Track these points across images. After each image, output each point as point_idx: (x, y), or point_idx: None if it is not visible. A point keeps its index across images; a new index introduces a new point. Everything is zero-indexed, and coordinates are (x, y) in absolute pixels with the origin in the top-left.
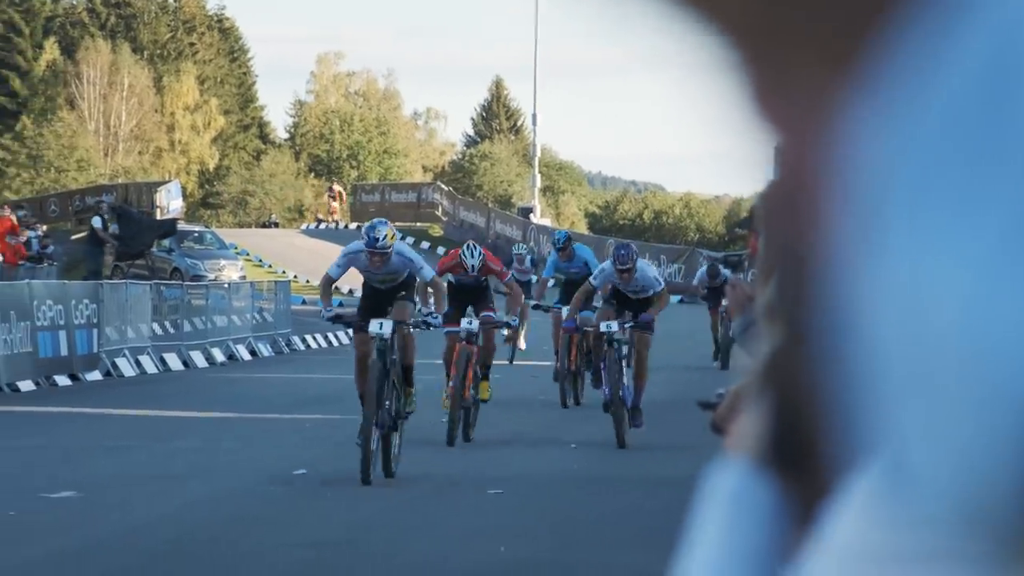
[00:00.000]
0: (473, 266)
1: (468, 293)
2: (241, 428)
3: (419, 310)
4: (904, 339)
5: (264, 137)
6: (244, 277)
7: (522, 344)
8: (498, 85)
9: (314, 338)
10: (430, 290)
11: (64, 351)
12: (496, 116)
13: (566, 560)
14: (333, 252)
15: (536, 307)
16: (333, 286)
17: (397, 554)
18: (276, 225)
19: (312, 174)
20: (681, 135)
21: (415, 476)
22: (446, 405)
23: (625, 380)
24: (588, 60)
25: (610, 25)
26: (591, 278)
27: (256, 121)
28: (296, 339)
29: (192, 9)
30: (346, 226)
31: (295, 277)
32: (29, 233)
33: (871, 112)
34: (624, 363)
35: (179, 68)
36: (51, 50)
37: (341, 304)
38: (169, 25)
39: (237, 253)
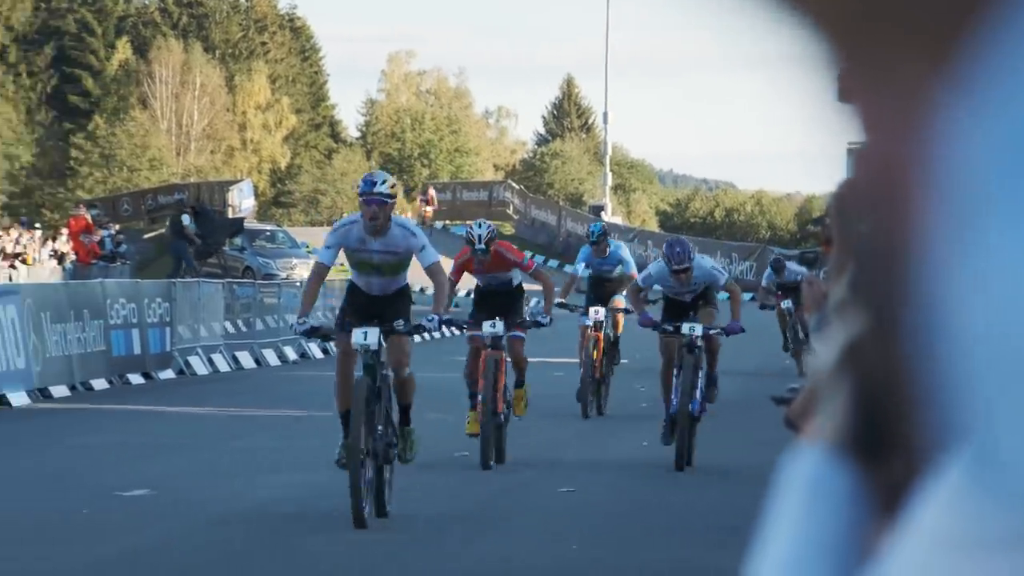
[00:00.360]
0: (480, 236)
1: (496, 299)
2: (313, 425)
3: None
4: (997, 333)
5: (335, 136)
6: None
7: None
8: (569, 83)
9: None
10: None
11: (137, 350)
12: (567, 114)
13: (640, 558)
14: None
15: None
16: (320, 285)
17: (470, 550)
18: None
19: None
20: (754, 132)
21: (472, 480)
22: (473, 429)
23: (698, 391)
24: (660, 58)
25: (705, 20)
26: (640, 279)
27: (327, 120)
28: None
29: (264, 8)
30: (419, 224)
31: None
32: (103, 232)
33: (967, 111)
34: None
35: (251, 67)
36: (123, 49)
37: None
38: (241, 24)
39: (309, 252)
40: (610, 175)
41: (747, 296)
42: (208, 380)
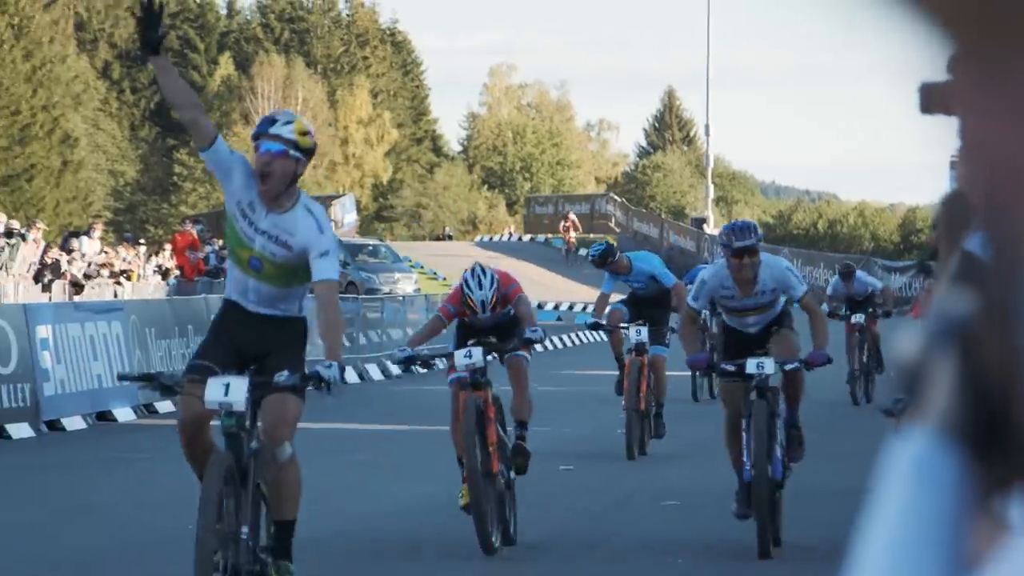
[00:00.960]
0: (483, 302)
1: (486, 330)
2: (416, 440)
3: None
4: None
5: (437, 150)
6: (418, 290)
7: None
8: (670, 95)
9: None
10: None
11: None
12: (669, 126)
13: (742, 573)
14: (508, 264)
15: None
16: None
17: (573, 567)
18: (450, 238)
19: (485, 186)
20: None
21: (577, 493)
22: (465, 503)
23: (777, 451)
24: (762, 69)
25: (810, 30)
26: (690, 299)
27: (429, 134)
28: None
29: (365, 23)
30: (519, 238)
31: None
32: (208, 248)
33: None
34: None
35: (352, 82)
36: (226, 65)
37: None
38: (342, 39)
39: (411, 266)
40: (712, 187)
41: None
42: (312, 395)
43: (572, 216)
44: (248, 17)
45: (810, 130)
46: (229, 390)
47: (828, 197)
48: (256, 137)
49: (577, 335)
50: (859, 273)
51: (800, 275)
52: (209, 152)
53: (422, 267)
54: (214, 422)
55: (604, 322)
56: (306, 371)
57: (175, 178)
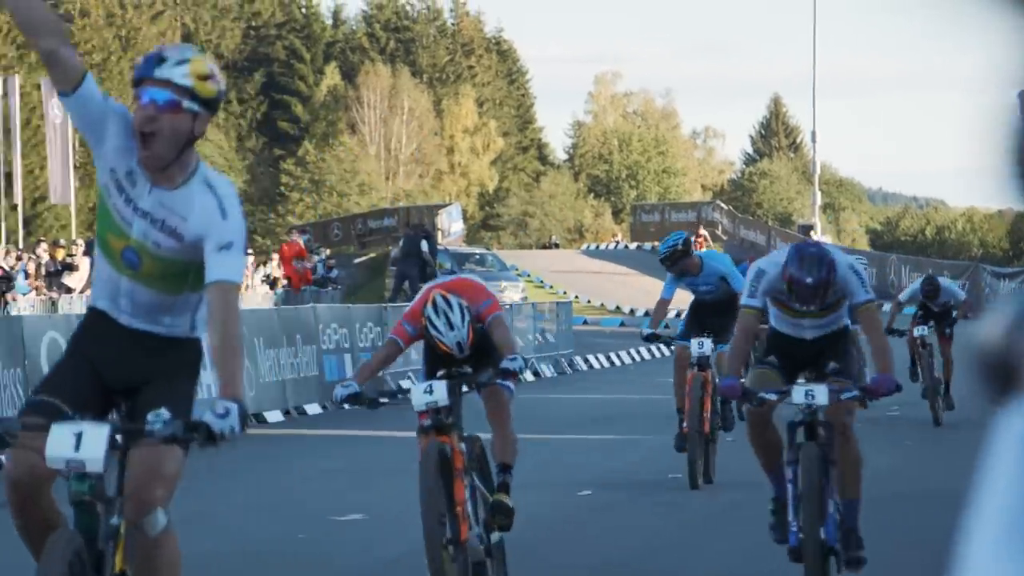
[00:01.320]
0: (460, 344)
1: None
2: (526, 449)
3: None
4: None
5: (543, 158)
6: (526, 298)
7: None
8: (776, 102)
9: (596, 358)
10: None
11: (349, 374)
12: (775, 133)
13: None
14: (615, 272)
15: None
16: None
17: (686, 572)
18: (557, 246)
19: (592, 194)
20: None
21: (705, 491)
22: None
23: (831, 503)
24: (867, 75)
25: (916, 34)
26: (745, 297)
27: (535, 142)
28: (578, 359)
29: (470, 32)
30: (626, 246)
31: (576, 298)
32: (315, 257)
33: None
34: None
35: (458, 91)
36: (332, 75)
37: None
38: (448, 48)
39: (518, 274)
40: (819, 194)
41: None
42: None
43: (704, 232)
44: (354, 27)
45: (917, 136)
46: (82, 442)
47: (936, 203)
48: (137, 83)
49: None
50: (944, 283)
51: (867, 277)
52: (73, 98)
53: (529, 275)
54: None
55: (661, 332)
56: (193, 417)
57: (282, 188)
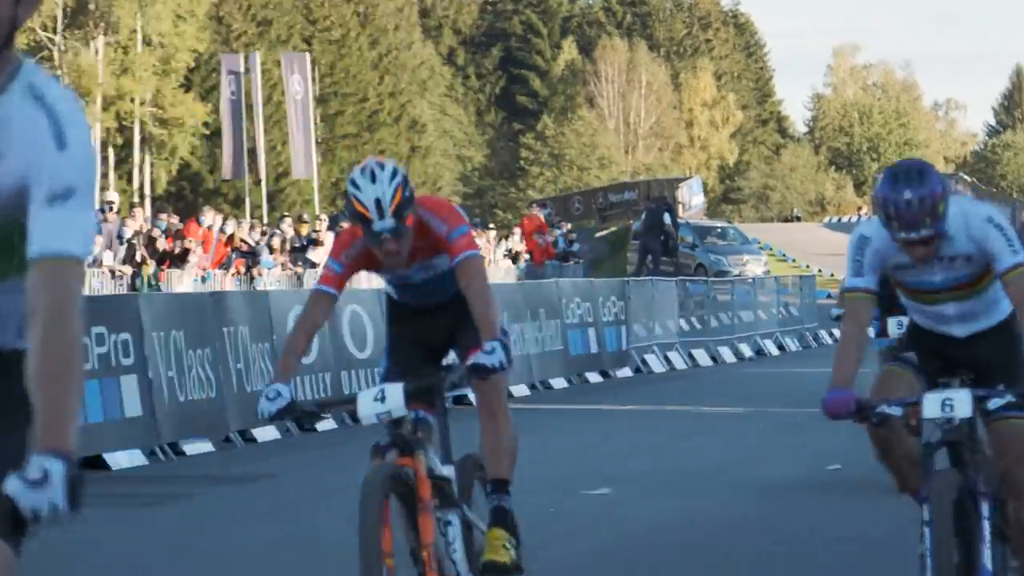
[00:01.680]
0: (379, 200)
1: (429, 317)
2: (771, 423)
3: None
4: None
5: (783, 131)
6: (768, 272)
7: None
8: (1019, 73)
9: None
10: None
11: (594, 348)
12: (1018, 105)
13: None
14: None
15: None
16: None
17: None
18: (798, 219)
19: (832, 167)
20: None
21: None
22: None
23: (986, 556)
24: None
25: None
26: (850, 277)
27: (774, 115)
28: (823, 333)
29: (707, 5)
30: (869, 219)
31: (819, 271)
32: (556, 231)
33: None
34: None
35: (695, 64)
36: (569, 50)
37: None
38: (684, 22)
39: (760, 248)
40: None
41: None
42: (665, 378)
43: None
44: (590, 1)
45: None
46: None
47: None
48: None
49: None
50: None
51: (1013, 234)
52: None
53: (770, 249)
54: None
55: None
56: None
57: (522, 162)
